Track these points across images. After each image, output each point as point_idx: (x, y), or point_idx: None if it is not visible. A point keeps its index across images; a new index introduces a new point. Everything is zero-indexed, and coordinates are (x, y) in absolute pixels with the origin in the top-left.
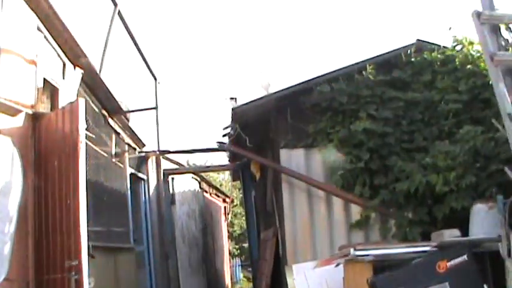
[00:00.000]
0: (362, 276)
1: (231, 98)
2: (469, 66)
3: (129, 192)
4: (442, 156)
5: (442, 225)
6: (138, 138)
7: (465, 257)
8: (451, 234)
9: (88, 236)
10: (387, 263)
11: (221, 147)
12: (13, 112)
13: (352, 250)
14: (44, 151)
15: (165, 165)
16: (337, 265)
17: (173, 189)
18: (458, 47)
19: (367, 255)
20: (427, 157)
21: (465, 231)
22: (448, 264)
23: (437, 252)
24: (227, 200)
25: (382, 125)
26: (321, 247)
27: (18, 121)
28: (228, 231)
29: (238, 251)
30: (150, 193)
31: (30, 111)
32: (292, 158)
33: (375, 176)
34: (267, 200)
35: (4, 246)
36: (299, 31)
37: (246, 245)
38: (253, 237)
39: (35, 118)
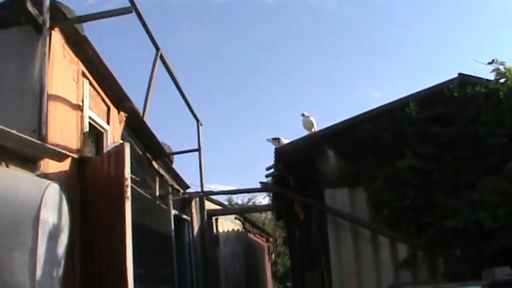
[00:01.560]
0: None
1: (274, 139)
2: None
3: (173, 233)
4: (489, 192)
5: (492, 263)
6: (182, 180)
7: None
8: (503, 272)
9: (134, 279)
10: None
11: (264, 188)
12: (60, 157)
13: None
14: (90, 195)
15: (209, 206)
16: None
17: (217, 230)
18: (501, 80)
19: None
20: (474, 193)
21: None
22: None
23: None
24: (270, 239)
25: (427, 162)
26: (368, 287)
27: (65, 166)
28: (272, 271)
29: None
30: (194, 234)
31: (76, 156)
32: (336, 197)
33: (421, 214)
34: (312, 239)
35: None
36: (339, 70)
37: (289, 284)
38: (297, 277)
39: (81, 162)
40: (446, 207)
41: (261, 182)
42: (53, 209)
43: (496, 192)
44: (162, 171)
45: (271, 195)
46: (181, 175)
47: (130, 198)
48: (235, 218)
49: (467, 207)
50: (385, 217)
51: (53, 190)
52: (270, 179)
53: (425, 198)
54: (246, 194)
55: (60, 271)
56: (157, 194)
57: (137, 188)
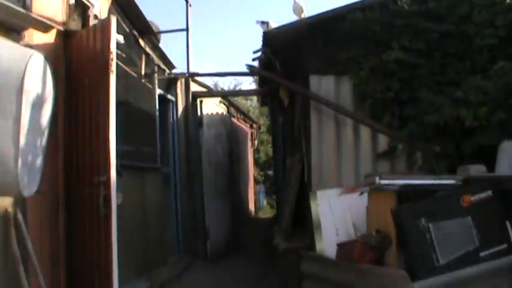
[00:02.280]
0: (385, 205)
1: (263, 22)
2: (508, 1)
3: (157, 113)
4: (473, 90)
5: (469, 160)
6: (168, 60)
7: (490, 192)
8: (477, 170)
9: (116, 154)
10: (412, 193)
11: (251, 71)
12: (45, 28)
13: (377, 179)
14: (75, 68)
15: (194, 88)
16: (362, 193)
17: (201, 112)
18: None
19: (392, 184)
20: (458, 91)
21: (491, 168)
22: (472, 198)
23: (463, 186)
24: (254, 125)
25: (415, 57)
26: (346, 175)
27: (50, 38)
28: (254, 158)
29: (263, 178)
30: (178, 115)
31: (61, 28)
32: (322, 84)
33: (404, 107)
34: (295, 126)
35: (36, 159)
36: None
37: (270, 172)
38: (279, 163)
39: (66, 35)
40: (429, 103)
41: (247, 65)
42: (37, 78)
43: (480, 91)
44: (148, 50)
45: (257, 80)
46: (167, 55)
47: (115, 72)
48: (220, 102)
49: (450, 104)
50: (368, 108)
51: (37, 60)
52: (256, 62)
53: (409, 93)
54: (231, 81)
55: (44, 141)
56: (142, 72)
57: (122, 65)
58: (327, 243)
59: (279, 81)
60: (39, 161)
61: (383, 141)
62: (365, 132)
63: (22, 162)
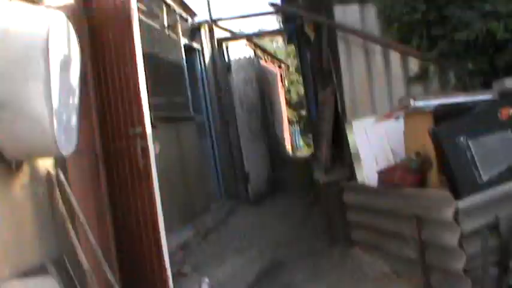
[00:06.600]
0: (422, 127)
1: None
2: None
3: (184, 63)
4: (503, 1)
5: (504, 74)
6: (189, 8)
7: None
8: None
9: (148, 106)
10: (448, 113)
11: (275, 9)
12: None
13: (412, 101)
14: (97, 24)
15: (219, 34)
16: (398, 118)
17: (228, 57)
18: None
19: (428, 105)
20: (486, 4)
21: None
22: (511, 111)
23: (500, 100)
24: (282, 66)
25: None
26: (379, 102)
27: None
28: (286, 99)
29: (297, 118)
30: (206, 63)
31: None
32: (347, 14)
33: (433, 27)
34: (323, 59)
35: (71, 118)
36: None
37: (304, 112)
38: (311, 101)
39: None
40: (457, 20)
41: (270, 3)
42: (61, 38)
43: (510, 1)
44: (168, 0)
45: (280, 21)
46: (188, 3)
47: (137, 22)
48: (246, 45)
49: (479, 19)
50: (396, 32)
51: (60, 20)
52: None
53: (436, 12)
54: (255, 27)
55: (76, 100)
56: (165, 23)
57: (144, 18)
58: (367, 173)
59: (303, 14)
60: (73, 120)
61: (414, 64)
62: (395, 57)
63: (57, 122)
